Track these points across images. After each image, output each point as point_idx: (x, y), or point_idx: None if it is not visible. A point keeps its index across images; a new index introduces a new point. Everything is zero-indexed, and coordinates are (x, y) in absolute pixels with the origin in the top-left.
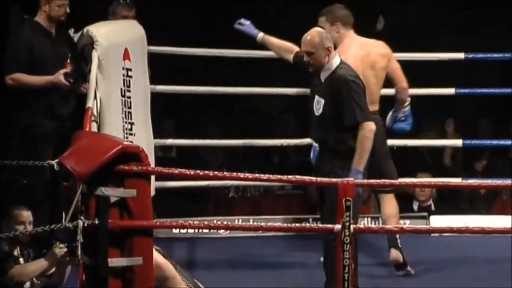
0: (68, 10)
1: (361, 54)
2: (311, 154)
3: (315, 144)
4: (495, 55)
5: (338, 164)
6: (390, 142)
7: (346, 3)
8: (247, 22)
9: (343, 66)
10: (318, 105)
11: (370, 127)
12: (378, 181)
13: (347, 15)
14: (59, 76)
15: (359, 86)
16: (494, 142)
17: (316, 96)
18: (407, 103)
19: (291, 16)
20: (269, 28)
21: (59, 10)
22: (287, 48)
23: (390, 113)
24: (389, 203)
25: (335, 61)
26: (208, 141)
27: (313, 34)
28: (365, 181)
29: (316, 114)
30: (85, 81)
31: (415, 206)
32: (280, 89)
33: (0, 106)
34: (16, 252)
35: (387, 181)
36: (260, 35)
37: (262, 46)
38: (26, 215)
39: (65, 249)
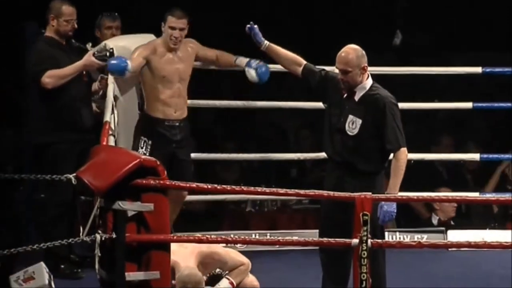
0: (75, 26)
1: None
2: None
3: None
4: None
5: (364, 185)
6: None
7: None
8: (256, 26)
9: (378, 86)
10: (354, 125)
11: (406, 152)
12: (397, 196)
13: None
14: (90, 58)
15: (399, 110)
16: None
17: (351, 116)
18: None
19: None
20: None
21: (67, 26)
22: (294, 60)
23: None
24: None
25: (369, 80)
26: (225, 155)
27: (350, 52)
28: (384, 195)
29: (350, 134)
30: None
31: (435, 220)
32: (296, 103)
33: (20, 123)
34: None
35: (405, 194)
36: (266, 43)
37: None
38: None
39: None
